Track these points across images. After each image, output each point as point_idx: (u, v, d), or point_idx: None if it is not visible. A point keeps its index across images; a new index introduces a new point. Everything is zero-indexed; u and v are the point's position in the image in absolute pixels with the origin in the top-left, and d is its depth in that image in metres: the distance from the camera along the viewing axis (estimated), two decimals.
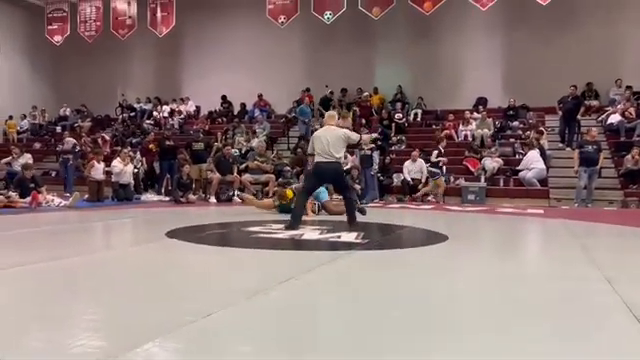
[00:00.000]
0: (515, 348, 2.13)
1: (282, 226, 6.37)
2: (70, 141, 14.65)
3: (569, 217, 8.48)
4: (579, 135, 13.27)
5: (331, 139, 6.35)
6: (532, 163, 12.16)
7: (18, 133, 19.37)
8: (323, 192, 8.63)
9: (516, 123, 15.04)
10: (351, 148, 7.56)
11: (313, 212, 8.27)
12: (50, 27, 18.77)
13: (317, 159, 6.51)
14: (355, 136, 6.73)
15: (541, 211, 9.78)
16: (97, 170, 11.45)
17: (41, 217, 8.21)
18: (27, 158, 12.37)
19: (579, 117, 13.73)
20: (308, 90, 17.22)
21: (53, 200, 9.91)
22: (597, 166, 11.21)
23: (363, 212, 7.19)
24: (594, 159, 11.13)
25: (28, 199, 9.47)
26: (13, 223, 7.21)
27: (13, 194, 9.56)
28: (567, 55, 15.01)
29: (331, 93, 17.05)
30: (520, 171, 12.37)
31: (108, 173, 11.73)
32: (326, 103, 16.55)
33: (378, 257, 4.59)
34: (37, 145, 18.37)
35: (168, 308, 2.69)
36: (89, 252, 4.57)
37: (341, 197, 7.38)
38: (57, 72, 21.39)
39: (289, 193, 8.45)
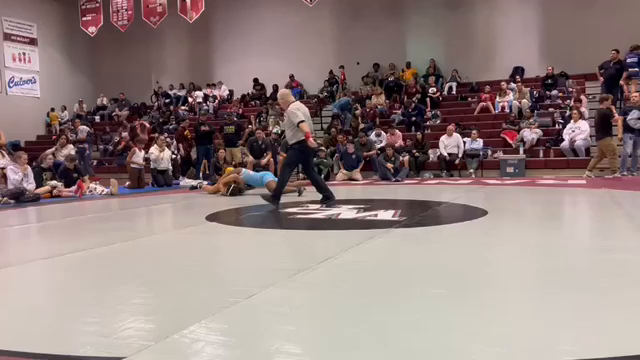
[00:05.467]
0: (561, 319, 2.10)
1: (318, 206, 6.43)
2: (84, 129, 14.95)
3: (613, 187, 8.22)
4: (622, 101, 12.77)
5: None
6: (582, 133, 11.80)
7: (60, 124, 19.96)
8: (268, 174, 9.10)
9: (555, 92, 14.57)
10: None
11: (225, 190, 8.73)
12: (84, 19, 19.18)
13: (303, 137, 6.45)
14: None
15: (583, 181, 9.51)
16: (138, 157, 11.74)
17: (87, 205, 8.49)
18: (70, 149, 12.74)
19: (622, 82, 13.19)
20: (342, 67, 17.13)
21: (96, 188, 10.22)
22: None
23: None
24: None
25: (73, 188, 9.81)
26: (62, 212, 7.48)
27: (59, 184, 9.90)
28: (607, 17, 14.38)
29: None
30: (562, 141, 12.02)
31: (147, 160, 12.00)
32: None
33: (416, 234, 4.56)
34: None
35: (211, 290, 2.76)
36: (133, 238, 4.71)
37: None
38: (93, 63, 21.90)
39: (228, 169, 8.94)
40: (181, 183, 12.37)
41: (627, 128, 10.73)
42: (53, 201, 9.02)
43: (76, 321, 2.33)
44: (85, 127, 15.33)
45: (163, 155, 11.93)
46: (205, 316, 2.21)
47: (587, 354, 1.75)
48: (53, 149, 12.68)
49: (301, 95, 17.85)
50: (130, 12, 18.41)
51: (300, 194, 8.10)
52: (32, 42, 20.25)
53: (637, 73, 13.22)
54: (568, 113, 12.73)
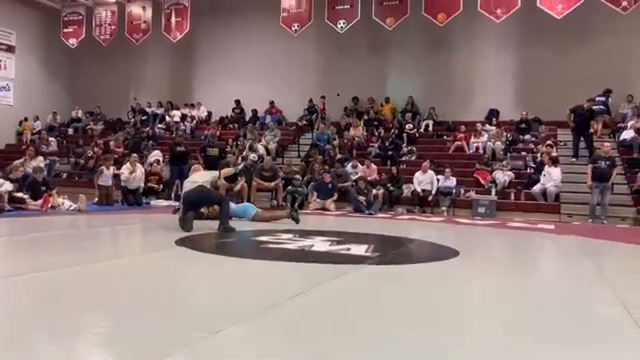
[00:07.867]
0: None
1: (291, 236, 6.38)
2: (54, 142, 14.52)
3: (580, 233, 8.38)
4: (591, 149, 13.11)
5: (199, 177, 7.38)
6: (551, 180, 12.01)
7: (32, 134, 19.50)
8: (249, 208, 9.11)
9: (528, 136, 14.91)
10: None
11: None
12: (66, 30, 18.97)
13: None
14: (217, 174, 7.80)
15: (552, 226, 9.68)
16: (106, 177, 11.40)
17: (53, 221, 8.24)
18: (39, 161, 12.44)
19: (595, 128, 13.68)
20: (323, 97, 17.29)
21: (64, 203, 9.95)
22: (609, 182, 11.07)
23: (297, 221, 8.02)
24: (606, 174, 11.00)
25: (39, 202, 9.52)
26: (25, 226, 7.24)
27: (25, 196, 9.60)
28: (582, 68, 14.82)
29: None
30: (534, 184, 12.23)
31: (116, 176, 11.69)
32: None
33: (388, 272, 4.55)
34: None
35: (178, 323, 2.67)
36: (98, 260, 4.56)
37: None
38: (71, 74, 21.57)
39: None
40: (152, 203, 12.14)
41: (595, 177, 10.99)
42: (17, 214, 8.74)
43: (31, 351, 2.21)
44: (53, 139, 15.02)
45: (135, 175, 11.68)
46: (170, 352, 2.13)
47: None
48: (22, 160, 12.35)
49: (279, 122, 17.88)
50: (113, 27, 18.28)
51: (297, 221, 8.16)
52: (9, 49, 19.89)
53: (601, 111, 14.18)
54: (539, 158, 13.01)
